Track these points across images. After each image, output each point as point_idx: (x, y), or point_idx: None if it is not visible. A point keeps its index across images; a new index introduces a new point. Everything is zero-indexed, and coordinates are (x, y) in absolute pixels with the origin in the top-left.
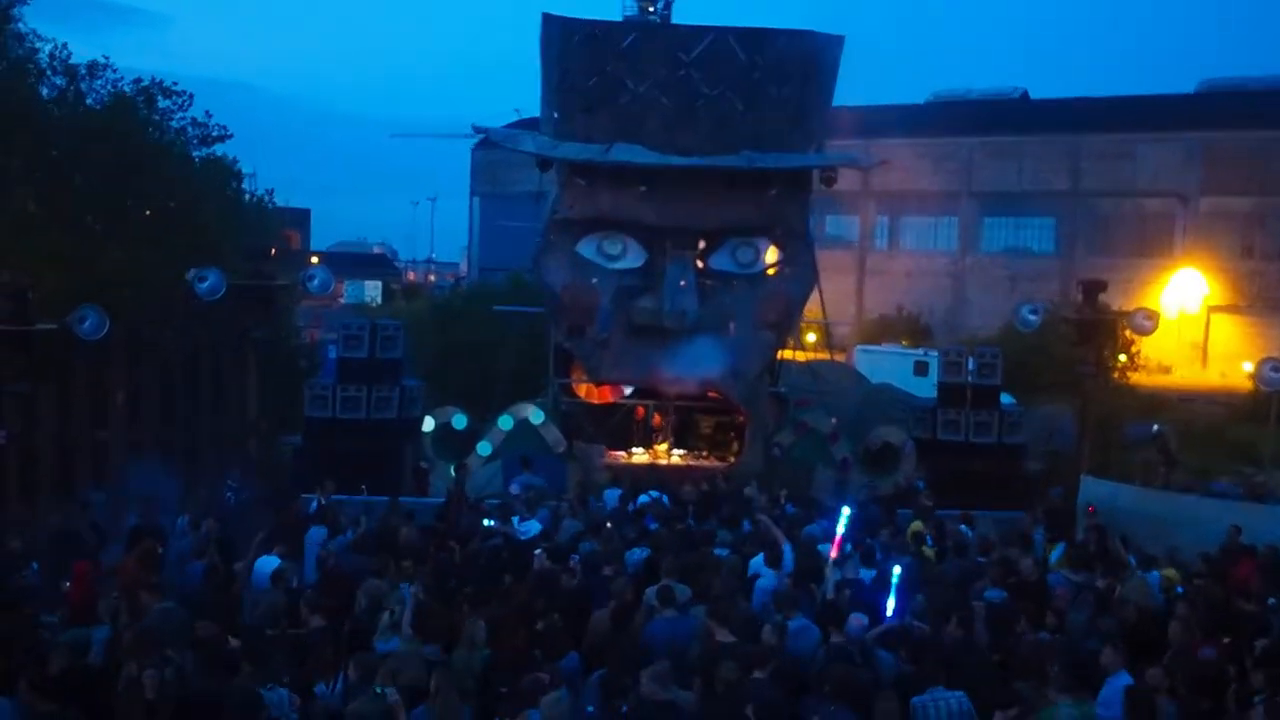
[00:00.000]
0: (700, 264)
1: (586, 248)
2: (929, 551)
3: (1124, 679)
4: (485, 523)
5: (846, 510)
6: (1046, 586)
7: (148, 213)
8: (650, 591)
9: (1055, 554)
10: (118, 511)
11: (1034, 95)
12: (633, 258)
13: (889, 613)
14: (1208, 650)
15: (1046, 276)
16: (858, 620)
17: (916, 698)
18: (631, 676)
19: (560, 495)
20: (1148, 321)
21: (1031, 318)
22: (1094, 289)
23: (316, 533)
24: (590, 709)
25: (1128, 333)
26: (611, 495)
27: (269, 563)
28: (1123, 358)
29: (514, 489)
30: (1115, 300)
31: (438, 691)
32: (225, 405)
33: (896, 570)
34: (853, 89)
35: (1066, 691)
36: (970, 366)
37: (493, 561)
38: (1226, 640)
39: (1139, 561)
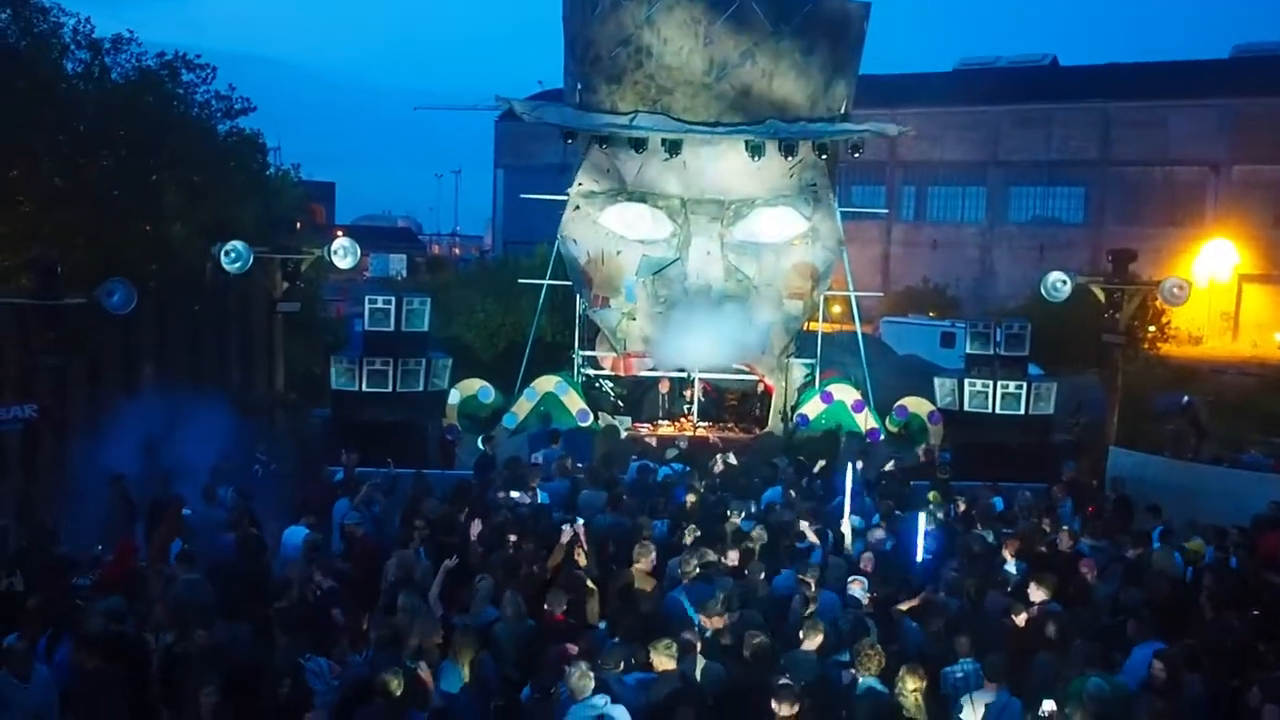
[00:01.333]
0: (725, 235)
1: (611, 219)
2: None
3: (1149, 651)
4: (508, 494)
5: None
6: (1075, 558)
7: (174, 187)
8: (673, 562)
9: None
10: (147, 484)
11: (1063, 62)
12: (658, 229)
13: (919, 556)
14: (1233, 621)
15: (1075, 246)
16: (859, 584)
17: (947, 668)
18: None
19: (586, 467)
20: (1179, 291)
21: (1060, 288)
22: (1124, 258)
23: (342, 504)
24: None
25: (1158, 303)
26: (634, 468)
27: (297, 533)
28: (1152, 328)
29: (536, 459)
30: (1145, 270)
31: (460, 652)
32: (252, 378)
33: (922, 519)
34: (879, 57)
35: (1093, 664)
36: (998, 337)
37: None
38: (1255, 612)
39: (1166, 532)
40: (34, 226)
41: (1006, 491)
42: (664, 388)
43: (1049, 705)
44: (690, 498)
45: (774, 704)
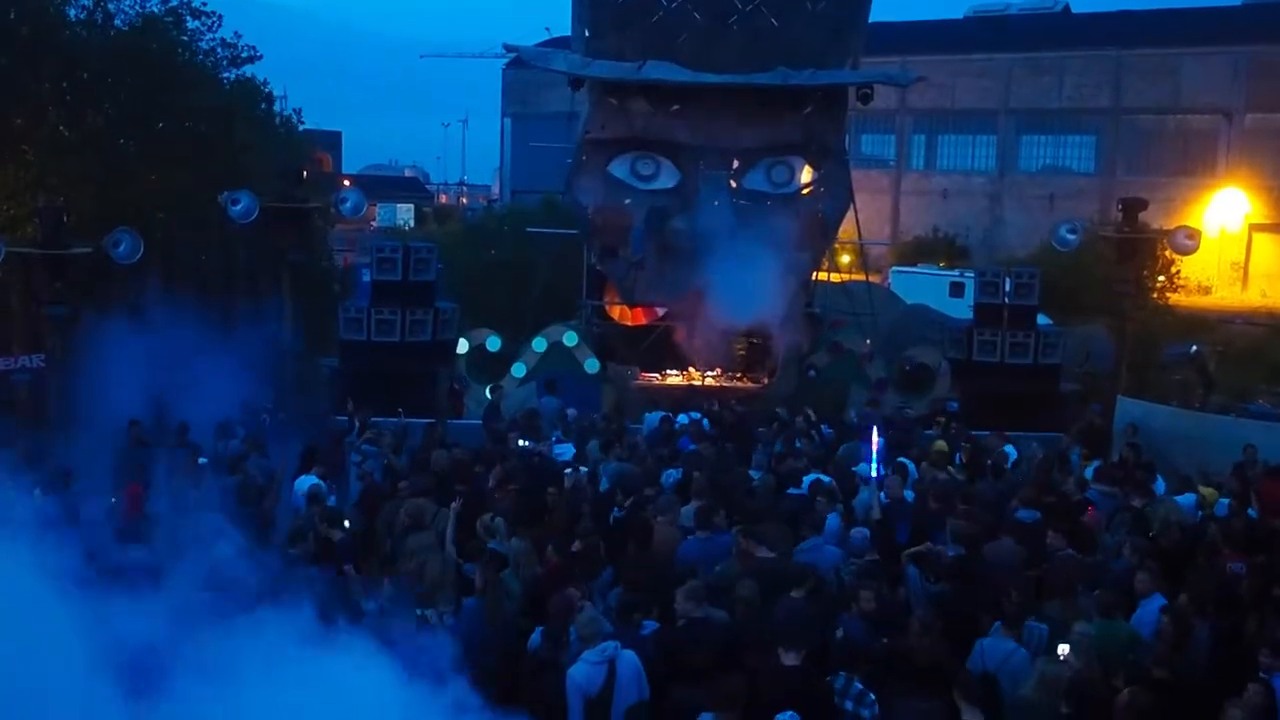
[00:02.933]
0: (734, 184)
1: (619, 168)
2: (955, 471)
3: (1159, 601)
4: (520, 443)
5: (877, 435)
6: (1084, 507)
7: (180, 136)
8: (685, 511)
9: (1088, 471)
10: (161, 433)
11: (1075, 8)
12: (666, 178)
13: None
14: (1237, 566)
15: (1086, 195)
16: (860, 534)
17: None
18: (653, 595)
19: (595, 417)
20: (1189, 240)
21: (1070, 237)
22: (1134, 207)
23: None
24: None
25: (1168, 252)
26: (652, 419)
27: (306, 482)
28: (1162, 278)
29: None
30: (1156, 219)
31: (486, 585)
32: (260, 328)
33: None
34: (890, 3)
35: (1103, 613)
36: (1007, 287)
37: (527, 483)
38: (1260, 559)
39: (1174, 483)
40: (40, 176)
41: (1015, 440)
42: (679, 336)
43: (1064, 649)
44: (703, 446)
45: (780, 651)
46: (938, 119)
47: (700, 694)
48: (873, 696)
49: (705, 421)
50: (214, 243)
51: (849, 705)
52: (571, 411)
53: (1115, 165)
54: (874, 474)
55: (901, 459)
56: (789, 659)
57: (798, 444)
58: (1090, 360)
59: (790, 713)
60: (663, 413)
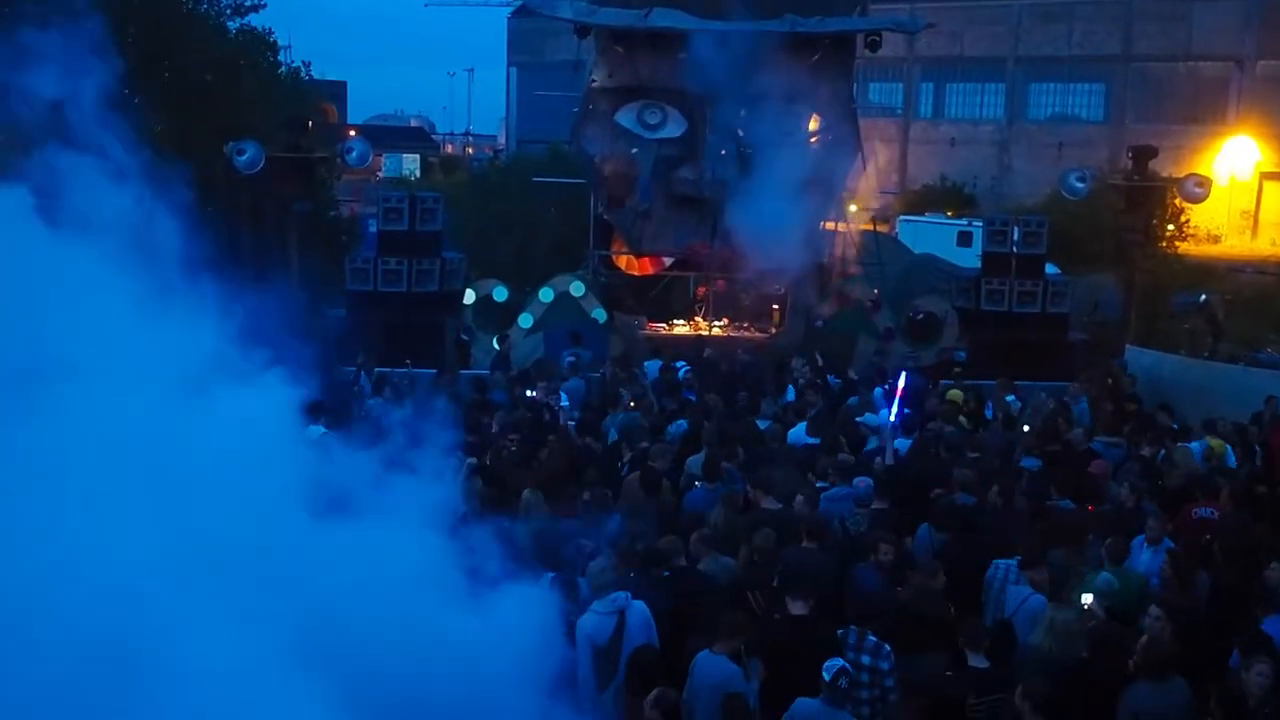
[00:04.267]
0: (741, 132)
1: (626, 117)
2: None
3: (1166, 547)
4: (527, 393)
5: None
6: (1089, 455)
7: (186, 87)
8: (692, 461)
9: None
10: None
11: None
12: (673, 127)
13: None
14: (1241, 514)
15: (1095, 144)
16: (863, 482)
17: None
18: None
19: (601, 367)
20: (1199, 189)
21: (1079, 185)
22: (1144, 155)
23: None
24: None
25: (1177, 201)
26: (652, 367)
27: (313, 433)
28: (1171, 226)
29: (569, 359)
30: (1165, 167)
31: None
32: (266, 278)
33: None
34: None
35: (1113, 560)
36: (1015, 236)
37: (532, 431)
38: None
39: (1179, 431)
40: None
41: (1023, 390)
42: (699, 291)
43: (1088, 598)
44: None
45: (787, 600)
46: (946, 67)
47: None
48: (889, 648)
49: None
50: (220, 193)
51: (865, 659)
52: (569, 357)
53: (1125, 113)
54: (894, 419)
55: (907, 410)
56: (796, 609)
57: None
58: (1098, 309)
59: (838, 659)
60: (661, 361)
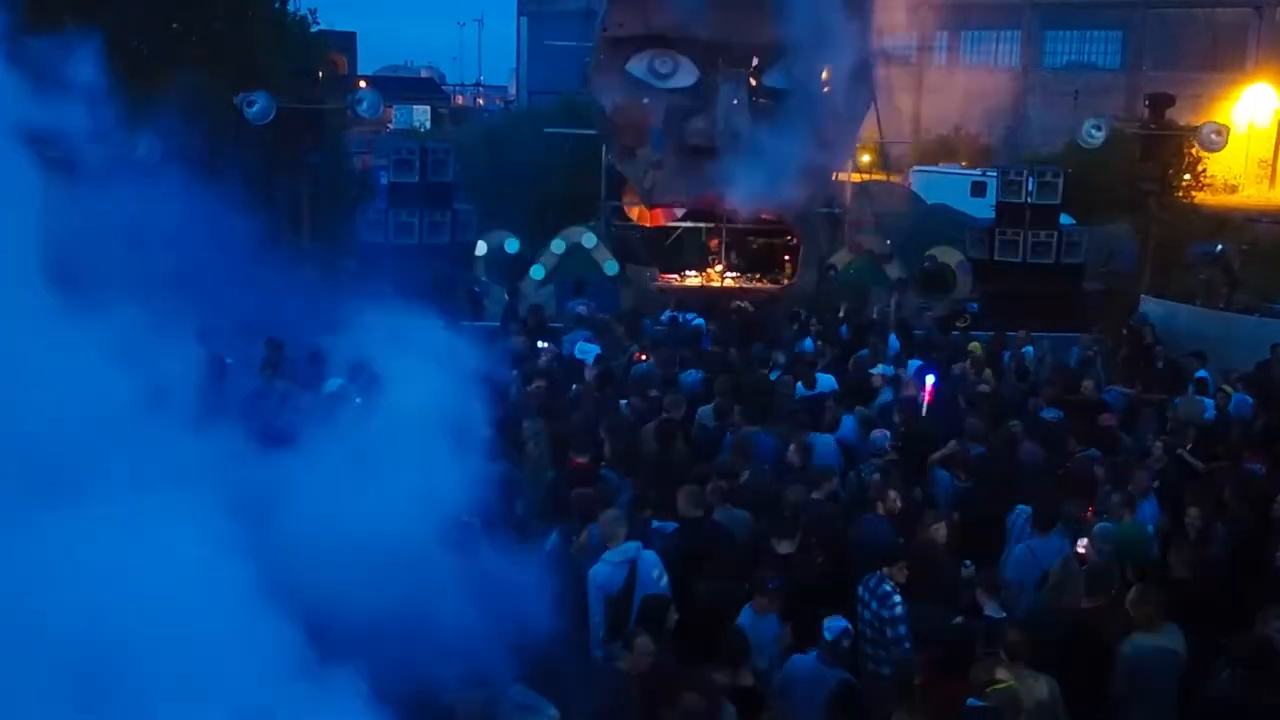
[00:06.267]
0: (754, 81)
1: (637, 67)
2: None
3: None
4: (540, 344)
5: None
6: (1103, 406)
7: (194, 36)
8: (704, 411)
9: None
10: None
11: None
12: (684, 76)
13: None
14: (1255, 465)
15: (1111, 92)
16: (881, 434)
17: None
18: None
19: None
20: (1216, 137)
21: (1096, 134)
22: (1161, 103)
23: None
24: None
25: (1194, 150)
26: (668, 317)
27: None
28: (1188, 176)
29: (578, 309)
30: (1183, 115)
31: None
32: (277, 230)
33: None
34: None
35: (1129, 510)
36: (1029, 186)
37: (551, 383)
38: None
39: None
40: None
41: (1036, 340)
42: (713, 245)
43: (1083, 542)
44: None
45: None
46: (960, 14)
47: (722, 589)
48: (899, 598)
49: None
50: (230, 144)
51: (874, 605)
52: (579, 307)
53: (1142, 60)
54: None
55: (920, 361)
56: (783, 548)
57: (809, 343)
58: (1113, 260)
59: (841, 620)
60: (671, 312)
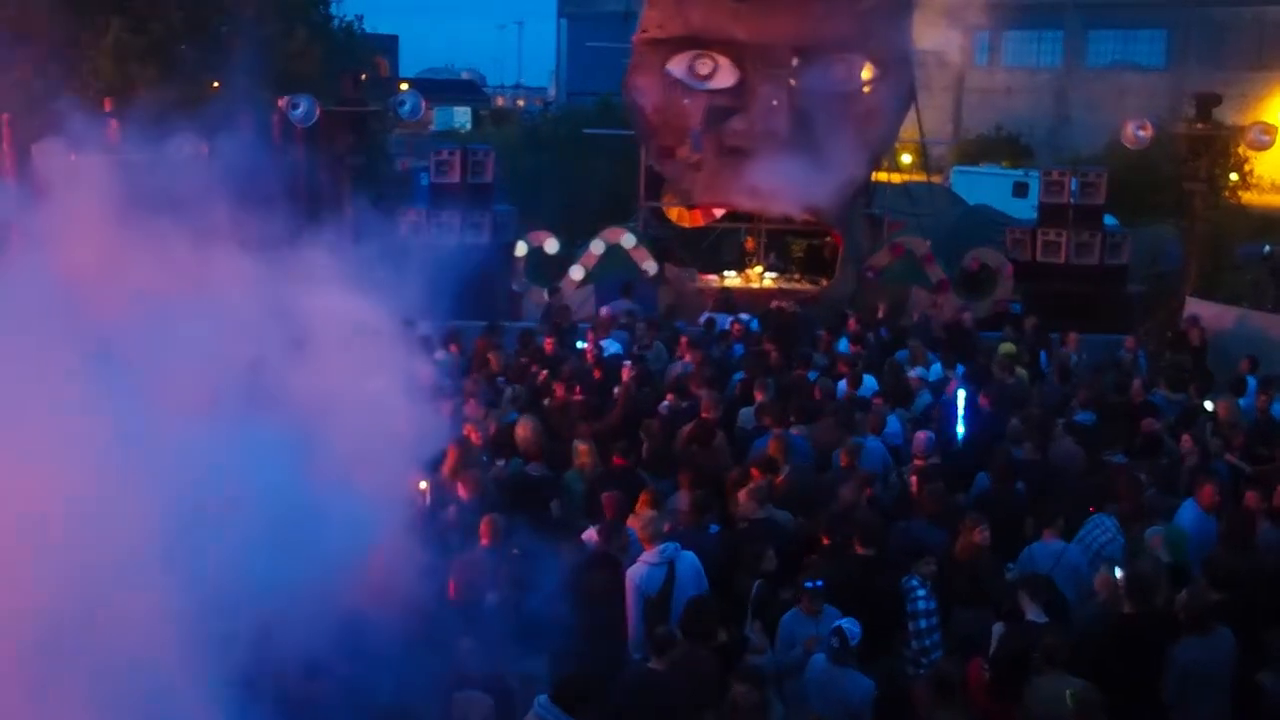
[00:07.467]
0: (793, 82)
1: (677, 68)
2: (1022, 372)
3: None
4: (577, 344)
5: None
6: (1147, 409)
7: (240, 40)
8: (745, 412)
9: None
10: None
11: None
12: (724, 77)
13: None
14: None
15: (1156, 92)
16: (926, 436)
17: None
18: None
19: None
20: (1264, 136)
21: (1141, 135)
22: (1207, 102)
23: None
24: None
25: (1241, 150)
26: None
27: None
28: (1234, 176)
29: (610, 310)
30: (1229, 115)
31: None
32: (320, 232)
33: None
34: None
35: (1165, 515)
36: (1072, 187)
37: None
38: None
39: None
40: (103, 80)
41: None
42: (749, 245)
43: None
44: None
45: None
46: (1002, 13)
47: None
48: (923, 593)
49: (754, 323)
50: (273, 147)
51: (908, 605)
52: (620, 306)
53: (1187, 60)
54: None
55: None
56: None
57: (843, 345)
58: (1158, 261)
59: (850, 619)
60: (708, 314)
